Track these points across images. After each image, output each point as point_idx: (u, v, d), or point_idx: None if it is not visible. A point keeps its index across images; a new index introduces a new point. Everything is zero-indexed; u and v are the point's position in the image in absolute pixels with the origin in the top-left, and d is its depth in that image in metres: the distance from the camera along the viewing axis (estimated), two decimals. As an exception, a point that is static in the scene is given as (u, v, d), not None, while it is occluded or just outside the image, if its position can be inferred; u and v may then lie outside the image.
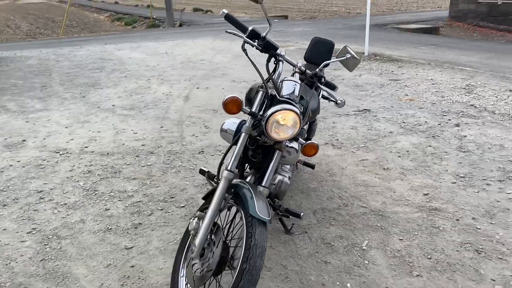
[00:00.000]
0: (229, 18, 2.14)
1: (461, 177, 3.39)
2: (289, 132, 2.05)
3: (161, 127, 4.73)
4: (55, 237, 2.73)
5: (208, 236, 1.95)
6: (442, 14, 17.16)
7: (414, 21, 15.93)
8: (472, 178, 3.36)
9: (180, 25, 18.57)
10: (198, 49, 10.29)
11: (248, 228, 1.87)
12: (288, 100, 2.11)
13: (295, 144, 2.25)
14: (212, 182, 2.66)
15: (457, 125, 4.56)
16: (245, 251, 1.81)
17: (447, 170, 3.51)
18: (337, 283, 2.28)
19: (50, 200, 3.19)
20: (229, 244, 2.01)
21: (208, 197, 2.19)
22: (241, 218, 1.96)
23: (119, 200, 3.17)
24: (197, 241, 1.93)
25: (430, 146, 4.01)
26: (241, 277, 1.76)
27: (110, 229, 2.81)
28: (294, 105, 2.06)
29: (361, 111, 5.14)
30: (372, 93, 5.96)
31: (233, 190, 2.03)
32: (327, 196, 3.16)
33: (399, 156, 3.80)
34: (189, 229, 2.04)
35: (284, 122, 2.02)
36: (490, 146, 3.97)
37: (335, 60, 2.66)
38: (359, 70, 7.51)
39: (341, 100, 2.66)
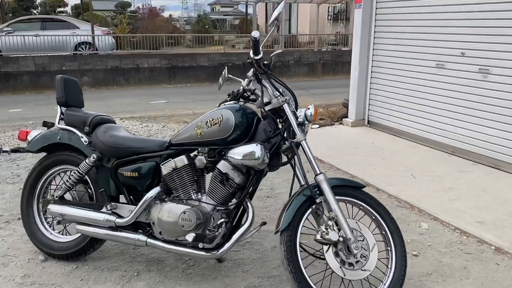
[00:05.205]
0: (256, 42, 2.16)
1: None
2: None
3: None
4: None
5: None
6: None
7: None
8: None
9: None
10: None
11: (368, 200, 2.18)
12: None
13: None
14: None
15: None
16: (388, 214, 2.19)
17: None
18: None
19: None
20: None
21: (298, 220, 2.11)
22: (348, 202, 2.21)
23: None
24: (353, 243, 2.03)
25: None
26: (402, 237, 2.18)
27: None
28: None
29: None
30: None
31: (317, 190, 2.14)
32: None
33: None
34: (333, 239, 2.03)
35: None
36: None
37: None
38: None
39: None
